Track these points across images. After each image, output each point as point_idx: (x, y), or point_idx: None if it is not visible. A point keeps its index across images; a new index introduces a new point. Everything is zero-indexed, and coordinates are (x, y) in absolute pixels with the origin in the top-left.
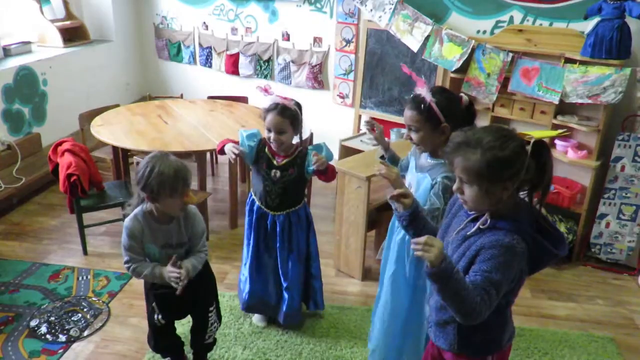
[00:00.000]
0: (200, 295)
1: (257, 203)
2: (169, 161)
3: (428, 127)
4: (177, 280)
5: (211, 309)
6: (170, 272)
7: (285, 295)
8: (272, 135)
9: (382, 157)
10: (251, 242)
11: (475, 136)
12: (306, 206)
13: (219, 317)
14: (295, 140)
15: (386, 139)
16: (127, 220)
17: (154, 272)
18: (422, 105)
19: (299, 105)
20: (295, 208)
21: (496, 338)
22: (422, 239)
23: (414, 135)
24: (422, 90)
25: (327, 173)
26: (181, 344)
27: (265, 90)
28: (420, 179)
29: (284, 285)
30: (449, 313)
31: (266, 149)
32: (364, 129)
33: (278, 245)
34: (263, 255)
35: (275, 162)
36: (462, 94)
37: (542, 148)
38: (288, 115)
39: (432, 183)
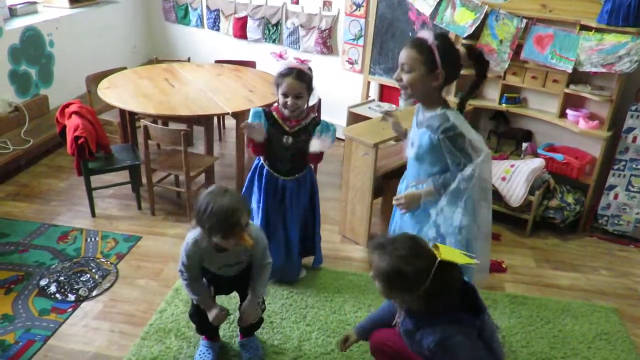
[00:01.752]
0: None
1: (267, 168)
2: (224, 201)
3: (423, 69)
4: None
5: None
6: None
7: (293, 250)
8: (288, 100)
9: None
10: (261, 205)
11: (392, 244)
12: (311, 169)
13: (264, 304)
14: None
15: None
16: (187, 242)
17: (201, 301)
18: (422, 46)
19: (310, 69)
20: (303, 172)
21: None
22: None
23: (405, 76)
24: (426, 33)
25: (318, 158)
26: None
27: (280, 56)
28: (421, 135)
29: (293, 241)
30: None
31: (275, 116)
32: (373, 98)
33: (287, 207)
34: (271, 217)
35: (286, 128)
36: (459, 47)
37: (447, 266)
38: (305, 80)
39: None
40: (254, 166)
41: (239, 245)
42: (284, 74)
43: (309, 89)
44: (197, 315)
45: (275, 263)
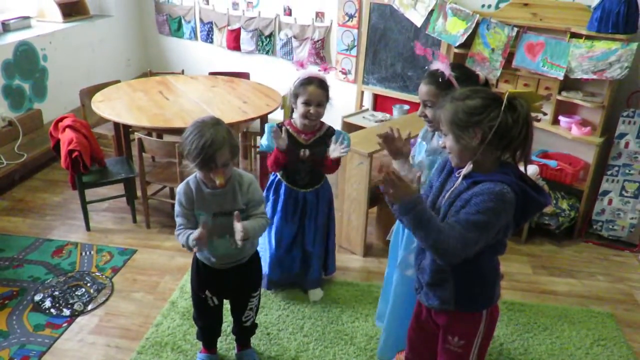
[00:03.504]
0: (248, 279)
1: (285, 183)
2: (206, 133)
3: None
4: (240, 237)
5: (254, 294)
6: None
7: (312, 263)
8: (311, 108)
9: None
10: (275, 222)
11: (451, 95)
12: (327, 180)
13: (257, 307)
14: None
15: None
16: (179, 186)
17: (187, 240)
18: (441, 80)
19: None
20: (322, 183)
21: (490, 292)
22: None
23: (429, 112)
24: (441, 65)
25: (337, 165)
26: (218, 332)
27: (301, 65)
28: (433, 160)
29: (313, 252)
30: (446, 271)
31: (290, 130)
32: (367, 108)
33: (307, 219)
34: (285, 232)
35: (302, 141)
36: (478, 72)
37: (515, 101)
38: (326, 88)
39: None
40: (269, 183)
41: (213, 180)
42: (305, 83)
43: (328, 98)
44: (201, 319)
45: (293, 270)
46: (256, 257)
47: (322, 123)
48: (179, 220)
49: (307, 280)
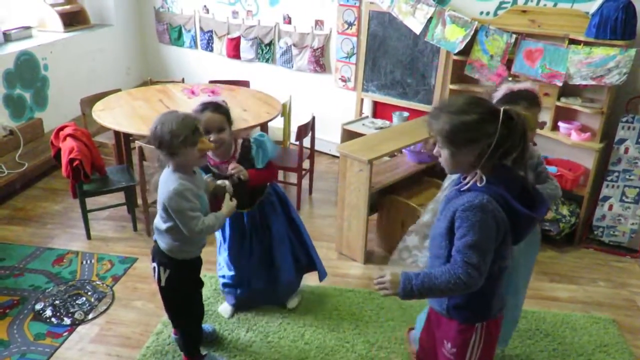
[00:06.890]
0: None
1: None
2: (175, 114)
3: None
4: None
5: None
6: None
7: (279, 275)
8: (212, 136)
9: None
10: (227, 247)
11: (449, 102)
12: (274, 186)
13: None
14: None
15: None
16: (176, 187)
17: (218, 217)
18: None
19: (225, 102)
20: (264, 193)
21: (485, 305)
22: (376, 281)
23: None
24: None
25: (265, 175)
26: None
27: (192, 92)
28: None
29: (278, 266)
30: None
31: (210, 166)
32: (366, 115)
33: (255, 237)
34: (245, 251)
35: (224, 172)
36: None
37: (511, 112)
38: (223, 112)
39: None
40: None
41: (203, 152)
42: (200, 110)
43: (230, 122)
44: (198, 322)
45: (259, 286)
46: None
47: (236, 142)
48: (196, 214)
49: (280, 286)
